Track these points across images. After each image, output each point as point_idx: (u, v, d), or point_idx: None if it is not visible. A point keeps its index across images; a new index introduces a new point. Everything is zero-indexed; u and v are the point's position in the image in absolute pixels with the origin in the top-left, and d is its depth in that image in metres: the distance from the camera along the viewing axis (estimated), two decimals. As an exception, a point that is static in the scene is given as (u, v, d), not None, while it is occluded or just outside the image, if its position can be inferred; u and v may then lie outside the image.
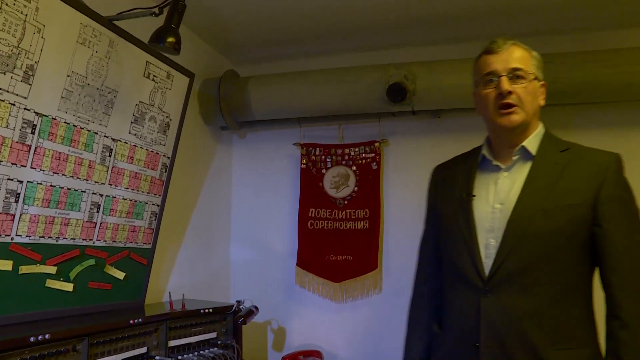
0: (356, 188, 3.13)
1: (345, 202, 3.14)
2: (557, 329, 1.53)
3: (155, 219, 2.45)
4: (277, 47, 3.23)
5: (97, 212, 2.10)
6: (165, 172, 2.48)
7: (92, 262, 2.09)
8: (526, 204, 1.59)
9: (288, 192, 3.32)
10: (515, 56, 1.65)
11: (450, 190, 1.78)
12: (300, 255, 3.19)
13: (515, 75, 1.62)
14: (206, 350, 2.26)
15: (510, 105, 1.61)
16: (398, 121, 3.13)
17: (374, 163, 3.11)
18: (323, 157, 3.21)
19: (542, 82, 1.69)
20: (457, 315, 1.69)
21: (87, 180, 2.02)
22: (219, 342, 2.34)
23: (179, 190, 2.80)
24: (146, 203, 2.38)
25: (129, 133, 2.22)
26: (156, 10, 1.93)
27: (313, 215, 3.19)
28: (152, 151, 2.36)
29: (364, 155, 3.14)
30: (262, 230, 3.38)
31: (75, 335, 1.68)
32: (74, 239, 2.01)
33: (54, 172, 1.87)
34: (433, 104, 2.82)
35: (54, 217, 1.90)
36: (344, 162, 3.17)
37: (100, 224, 2.13)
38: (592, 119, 2.88)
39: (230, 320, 2.45)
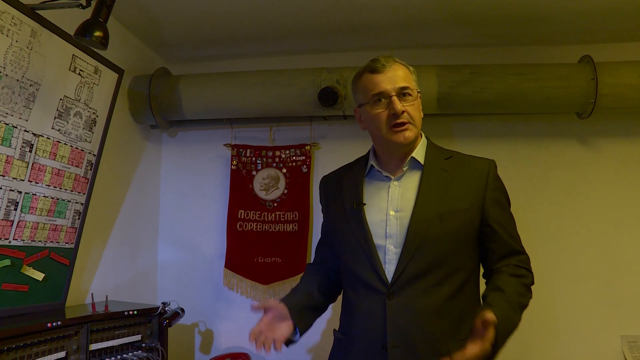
0: (286, 190, 3.14)
1: (275, 205, 3.14)
2: (455, 322, 1.65)
3: (78, 218, 2.37)
4: (210, 47, 3.19)
5: (15, 209, 2.01)
6: (91, 169, 2.41)
7: (7, 262, 1.99)
8: (423, 210, 1.69)
9: (217, 193, 3.29)
10: (400, 75, 1.74)
11: (340, 200, 1.86)
12: (229, 256, 3.17)
13: (402, 93, 1.71)
14: (130, 354, 2.20)
15: (403, 123, 1.70)
16: (329, 125, 3.17)
17: (305, 166, 3.13)
18: (254, 158, 3.20)
19: (419, 93, 1.79)
20: (363, 319, 1.74)
21: (4, 176, 1.93)
22: (144, 345, 2.28)
23: (106, 188, 2.72)
24: (69, 201, 2.29)
25: (52, 128, 2.13)
26: (83, 2, 1.86)
27: (242, 216, 3.17)
28: (76, 148, 2.29)
29: (294, 157, 3.15)
30: (191, 231, 3.33)
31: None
32: (-12, 237, 1.91)
33: (-33, 167, 1.77)
34: (364, 109, 2.87)
35: (-35, 215, 1.80)
36: (274, 164, 3.18)
37: (18, 222, 2.03)
38: (515, 129, 3.03)
39: (155, 322, 2.39)
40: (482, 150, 2.97)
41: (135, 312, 2.26)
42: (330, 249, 1.95)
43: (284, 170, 3.16)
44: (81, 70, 2.23)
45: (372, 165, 1.83)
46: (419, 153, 1.77)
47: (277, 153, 3.17)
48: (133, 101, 3.01)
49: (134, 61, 3.02)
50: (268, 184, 3.16)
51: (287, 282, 3.09)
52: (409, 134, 1.70)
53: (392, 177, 1.77)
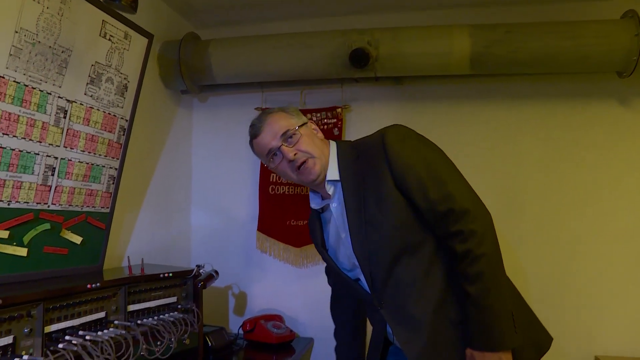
0: (318, 153, 3.13)
1: (307, 168, 3.13)
2: (443, 288, 1.69)
3: (113, 183, 2.41)
4: (239, 11, 3.16)
5: (52, 175, 2.05)
6: (124, 135, 2.43)
7: (47, 226, 2.05)
8: (354, 225, 1.73)
9: (249, 157, 3.28)
10: (277, 125, 1.81)
11: (316, 239, 1.97)
12: (261, 220, 3.19)
13: (287, 137, 1.76)
14: (166, 315, 2.26)
15: (302, 163, 1.75)
16: (360, 87, 3.12)
17: (336, 129, 3.10)
18: (285, 122, 3.18)
19: (308, 122, 1.85)
20: (375, 327, 1.94)
21: (41, 142, 1.96)
22: (179, 306, 2.33)
23: (138, 153, 2.75)
24: (104, 166, 2.33)
25: (85, 94, 2.15)
26: (112, -34, 1.86)
27: (274, 180, 3.18)
28: (109, 113, 2.30)
29: (325, 120, 3.12)
30: (223, 195, 3.36)
31: (29, 300, 1.64)
32: (28, 202, 1.96)
33: (3, 133, 1.80)
34: (395, 70, 2.82)
35: (4, 180, 1.84)
36: (305, 127, 3.15)
37: (56, 187, 2.08)
38: (551, 89, 2.94)
39: (190, 284, 2.44)
40: (515, 111, 2.94)
41: (171, 275, 2.31)
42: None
43: (316, 133, 3.14)
44: (111, 36, 2.23)
45: (313, 209, 1.93)
46: (332, 171, 1.79)
47: (308, 116, 3.14)
48: (163, 67, 3.02)
49: (163, 26, 3.01)
50: (300, 148, 3.15)
51: (319, 245, 3.11)
52: (314, 168, 1.75)
53: (330, 202, 1.82)
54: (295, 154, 1.75)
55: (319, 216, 1.94)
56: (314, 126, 1.87)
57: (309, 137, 1.79)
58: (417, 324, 1.68)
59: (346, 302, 2.18)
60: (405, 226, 1.67)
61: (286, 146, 1.75)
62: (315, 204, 1.90)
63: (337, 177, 1.77)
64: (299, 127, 1.78)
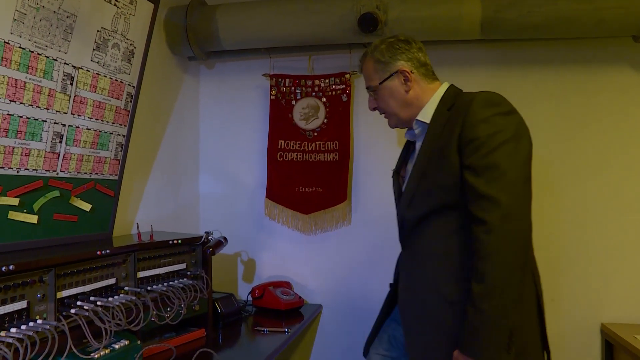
0: (326, 120, 3.10)
1: (315, 134, 3.12)
2: (442, 261, 1.73)
3: (121, 150, 2.40)
4: (246, -27, 3.10)
5: (60, 142, 2.04)
6: (131, 101, 2.41)
7: (56, 193, 2.05)
8: (416, 170, 1.75)
9: (257, 123, 3.28)
10: (365, 74, 1.92)
11: (397, 162, 2.05)
12: (270, 187, 3.19)
13: (370, 91, 1.90)
14: (175, 281, 2.28)
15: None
16: (369, 53, 3.08)
17: (344, 95, 3.07)
18: (293, 88, 3.15)
19: (395, 73, 1.82)
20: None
21: (48, 109, 1.95)
22: (189, 273, 2.35)
23: (146, 121, 2.74)
24: (111, 133, 2.32)
25: (91, 60, 2.13)
26: None
27: (282, 147, 3.16)
28: (116, 80, 2.28)
29: (334, 86, 3.09)
30: (231, 162, 3.36)
31: (41, 266, 1.66)
32: (36, 169, 1.96)
33: (10, 100, 1.79)
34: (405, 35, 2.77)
35: (13, 147, 1.84)
36: (314, 93, 3.13)
37: (64, 154, 2.08)
38: (563, 55, 2.87)
39: (199, 251, 2.46)
40: (528, 78, 2.89)
41: (180, 242, 2.32)
42: None
43: (324, 100, 3.11)
44: (117, 1, 2.20)
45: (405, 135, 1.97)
46: (425, 113, 1.78)
47: (317, 82, 3.12)
48: (170, 33, 2.98)
49: (169, -9, 2.97)
50: (308, 114, 3.13)
51: (327, 212, 3.11)
52: (390, 121, 1.92)
53: (417, 139, 1.84)
54: (374, 107, 1.93)
55: (409, 146, 1.99)
56: (402, 77, 1.80)
57: (387, 95, 1.84)
58: (417, 280, 1.76)
59: None
60: (450, 190, 1.63)
61: (370, 95, 1.91)
62: (409, 135, 1.92)
63: (427, 120, 1.77)
64: (378, 85, 1.84)
